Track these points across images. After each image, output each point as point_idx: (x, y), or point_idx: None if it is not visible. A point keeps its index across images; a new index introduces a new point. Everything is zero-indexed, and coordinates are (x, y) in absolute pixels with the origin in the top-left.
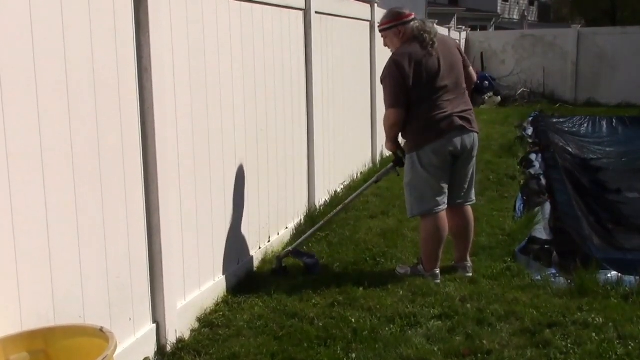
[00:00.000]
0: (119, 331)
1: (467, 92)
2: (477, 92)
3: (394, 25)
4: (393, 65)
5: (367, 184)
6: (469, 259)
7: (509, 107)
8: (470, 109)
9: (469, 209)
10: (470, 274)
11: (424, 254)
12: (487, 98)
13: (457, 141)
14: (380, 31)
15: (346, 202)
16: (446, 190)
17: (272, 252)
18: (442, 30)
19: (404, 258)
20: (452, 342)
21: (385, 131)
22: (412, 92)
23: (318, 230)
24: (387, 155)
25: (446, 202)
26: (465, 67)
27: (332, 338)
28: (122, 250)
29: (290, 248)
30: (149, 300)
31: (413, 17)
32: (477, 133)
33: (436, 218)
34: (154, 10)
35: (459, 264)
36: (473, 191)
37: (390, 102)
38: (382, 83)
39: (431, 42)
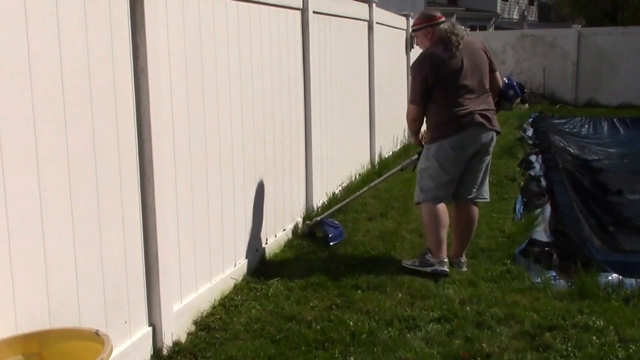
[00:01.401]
0: (115, 334)
1: (490, 94)
2: (503, 98)
3: (424, 26)
4: (417, 65)
5: (393, 170)
6: (464, 255)
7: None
8: (492, 109)
9: (475, 208)
10: (465, 269)
11: (429, 240)
12: (514, 105)
13: (477, 137)
14: (412, 32)
15: (372, 184)
16: (451, 186)
17: (270, 253)
18: None
19: (400, 264)
20: (451, 345)
21: (408, 125)
22: (435, 89)
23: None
24: (386, 156)
25: (447, 195)
26: (492, 71)
27: (330, 341)
28: (118, 253)
29: (318, 218)
30: (145, 303)
31: (443, 19)
32: (497, 132)
33: (434, 205)
34: (150, 10)
35: (454, 259)
36: (485, 188)
37: (411, 99)
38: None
39: (456, 44)
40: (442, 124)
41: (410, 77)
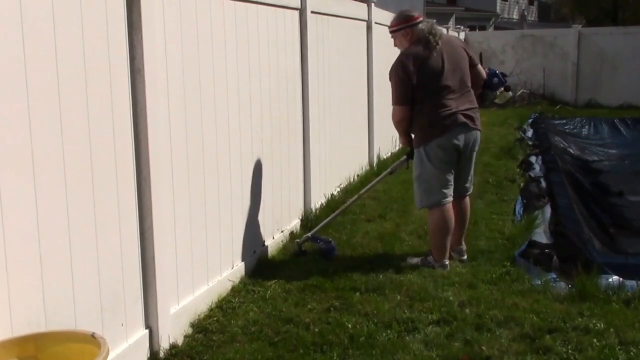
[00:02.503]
0: (111, 337)
1: (472, 91)
2: (487, 88)
3: (402, 27)
4: (398, 65)
5: (382, 175)
6: (463, 242)
7: (508, 108)
8: (475, 108)
9: (467, 200)
10: (465, 257)
11: (432, 245)
12: (498, 93)
13: (461, 137)
14: (390, 32)
15: (361, 192)
16: (452, 183)
17: (268, 255)
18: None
19: (402, 262)
20: (451, 348)
21: (395, 126)
22: (417, 90)
23: (339, 215)
24: (384, 157)
25: (452, 194)
26: (473, 66)
27: (328, 344)
28: (114, 254)
29: (309, 234)
30: (142, 305)
31: (421, 19)
32: (480, 131)
33: (443, 209)
34: (146, 10)
35: (454, 247)
36: (471, 181)
37: (395, 100)
38: (390, 81)
39: (435, 43)
40: (427, 126)
41: (392, 79)
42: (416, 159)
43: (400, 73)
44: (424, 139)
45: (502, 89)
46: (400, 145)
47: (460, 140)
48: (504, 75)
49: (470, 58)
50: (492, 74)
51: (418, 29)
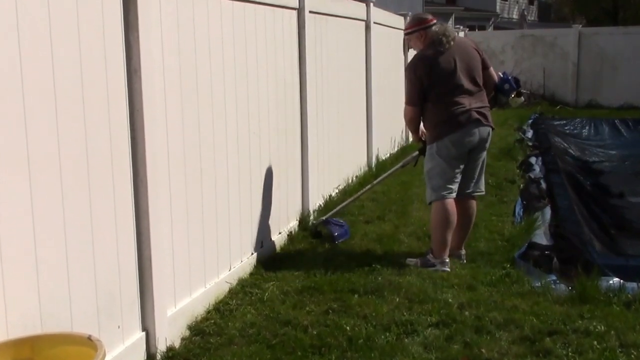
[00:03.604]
0: (108, 339)
1: (484, 91)
2: (500, 93)
3: (416, 29)
4: (411, 67)
5: (394, 168)
6: (463, 248)
7: (508, 109)
8: (487, 106)
9: (474, 203)
10: (464, 261)
11: (433, 240)
12: (510, 99)
13: (475, 133)
14: (405, 35)
15: (374, 182)
16: (458, 180)
17: (266, 256)
18: None
19: (401, 264)
20: (450, 350)
21: (406, 124)
22: (430, 90)
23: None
24: (383, 158)
25: (456, 190)
26: (486, 68)
27: (326, 346)
28: (110, 256)
29: (324, 217)
30: (138, 307)
31: (434, 22)
32: (493, 128)
33: (445, 203)
34: (143, 10)
35: (454, 251)
36: (482, 182)
37: (407, 100)
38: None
39: (448, 45)
40: (441, 123)
41: (405, 79)
42: (428, 154)
43: (411, 75)
44: (437, 136)
45: (514, 94)
46: (400, 146)
47: (473, 137)
48: (517, 80)
49: (482, 60)
50: (504, 79)
51: (432, 32)
